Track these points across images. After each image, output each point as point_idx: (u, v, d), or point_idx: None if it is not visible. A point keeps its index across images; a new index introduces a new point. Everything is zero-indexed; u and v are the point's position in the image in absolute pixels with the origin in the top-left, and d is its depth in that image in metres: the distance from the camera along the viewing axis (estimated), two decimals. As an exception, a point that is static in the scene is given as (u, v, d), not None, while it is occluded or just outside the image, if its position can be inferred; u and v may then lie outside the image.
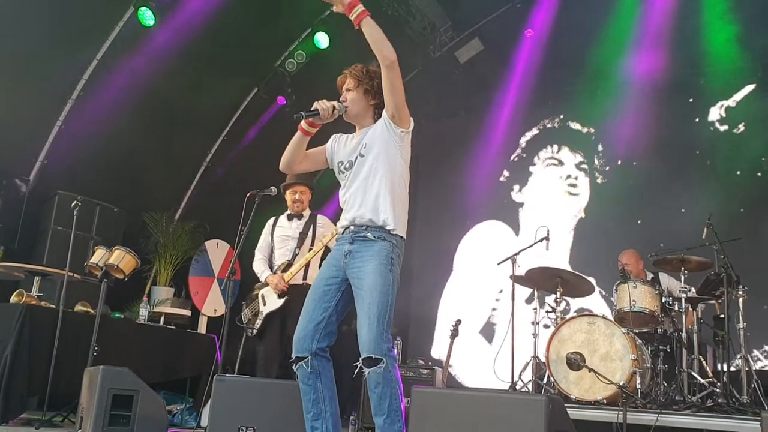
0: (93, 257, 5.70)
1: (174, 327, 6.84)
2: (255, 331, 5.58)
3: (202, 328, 8.35)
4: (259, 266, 5.66)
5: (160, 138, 7.57)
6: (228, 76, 8.19)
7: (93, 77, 7.30)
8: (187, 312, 7.77)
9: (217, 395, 4.14)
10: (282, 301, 5.43)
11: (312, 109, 3.56)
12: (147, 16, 7.24)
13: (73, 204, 5.71)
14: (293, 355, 3.50)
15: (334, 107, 3.57)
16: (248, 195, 5.11)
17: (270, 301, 5.53)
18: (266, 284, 5.57)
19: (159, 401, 4.64)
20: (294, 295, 5.42)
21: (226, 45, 7.88)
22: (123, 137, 7.43)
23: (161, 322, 7.18)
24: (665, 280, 6.47)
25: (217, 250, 8.68)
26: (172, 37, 7.46)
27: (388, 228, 3.46)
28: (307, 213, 5.78)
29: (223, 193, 7.72)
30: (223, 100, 8.62)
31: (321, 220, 5.78)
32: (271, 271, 5.61)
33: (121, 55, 7.31)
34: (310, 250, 5.62)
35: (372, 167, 3.54)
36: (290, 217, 5.73)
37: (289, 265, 5.52)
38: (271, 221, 5.76)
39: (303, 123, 3.61)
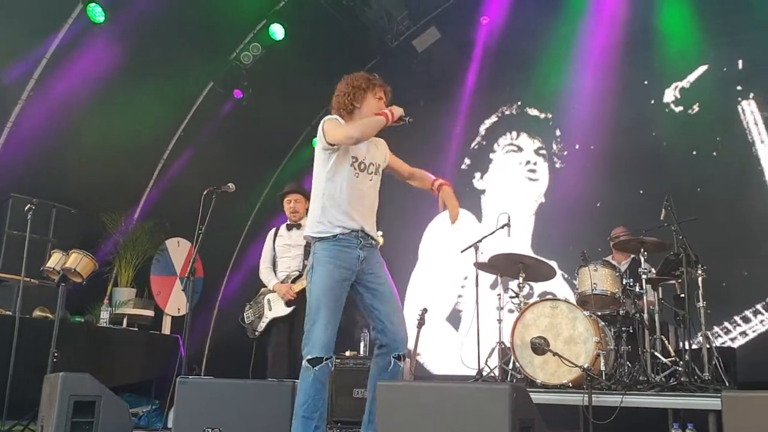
0: (49, 261, 5.59)
1: (137, 328, 6.75)
2: (257, 333, 5.78)
3: (166, 328, 8.23)
4: (266, 275, 5.86)
5: (115, 136, 7.41)
6: (182, 70, 8.03)
7: (43, 76, 7.12)
8: (150, 312, 7.65)
9: (181, 397, 4.11)
10: (290, 309, 5.63)
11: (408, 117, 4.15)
12: (97, 12, 7.06)
13: (26, 207, 5.59)
14: (324, 356, 3.61)
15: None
16: (205, 192, 5.07)
17: (276, 308, 5.72)
18: (272, 290, 5.76)
19: (122, 405, 4.58)
20: (301, 302, 5.47)
21: (180, 38, 7.74)
22: (77, 137, 7.28)
23: (124, 324, 7.08)
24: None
25: (178, 249, 8.57)
26: (124, 32, 7.31)
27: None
28: (305, 222, 5.79)
29: (182, 191, 7.58)
30: (179, 95, 8.46)
31: None
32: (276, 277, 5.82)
33: (71, 53, 7.14)
34: None
35: (377, 189, 3.94)
36: (289, 227, 5.92)
37: (299, 275, 5.66)
38: (272, 232, 5.97)
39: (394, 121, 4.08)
